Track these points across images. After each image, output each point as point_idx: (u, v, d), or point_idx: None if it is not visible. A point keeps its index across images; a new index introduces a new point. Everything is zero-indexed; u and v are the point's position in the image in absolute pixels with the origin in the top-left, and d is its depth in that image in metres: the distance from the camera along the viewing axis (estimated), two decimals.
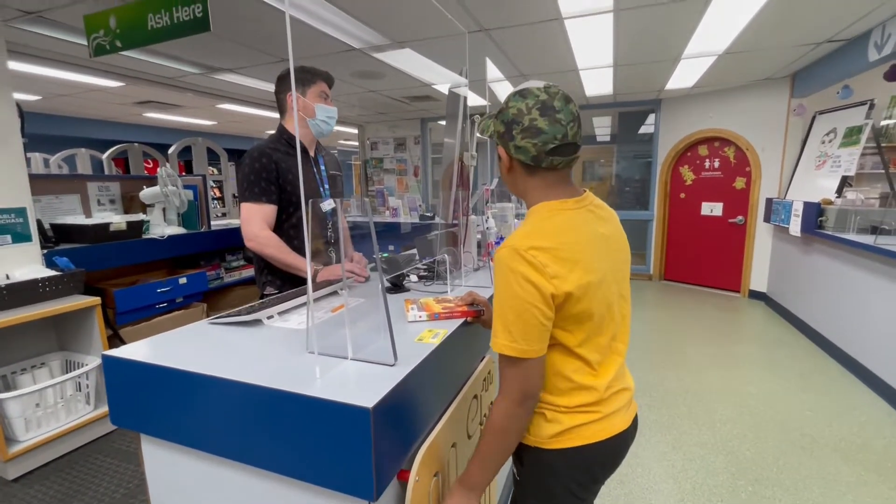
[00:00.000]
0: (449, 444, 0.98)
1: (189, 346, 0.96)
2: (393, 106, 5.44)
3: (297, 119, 1.61)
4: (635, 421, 0.93)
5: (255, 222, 1.52)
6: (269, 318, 1.10)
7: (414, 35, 2.91)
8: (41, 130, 6.04)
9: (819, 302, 3.52)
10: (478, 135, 0.93)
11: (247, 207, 1.53)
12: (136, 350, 0.92)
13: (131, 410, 0.90)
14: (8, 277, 2.18)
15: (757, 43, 3.16)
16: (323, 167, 1.74)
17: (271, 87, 4.58)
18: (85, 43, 2.42)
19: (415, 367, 0.81)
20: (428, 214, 4.17)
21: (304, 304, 1.24)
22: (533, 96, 0.80)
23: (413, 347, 0.91)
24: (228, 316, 1.09)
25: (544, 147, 0.80)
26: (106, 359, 0.90)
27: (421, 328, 1.03)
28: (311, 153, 1.70)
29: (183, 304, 3.19)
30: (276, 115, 5.80)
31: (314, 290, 1.31)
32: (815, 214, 3.39)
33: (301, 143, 1.63)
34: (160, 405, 0.86)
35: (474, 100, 4.22)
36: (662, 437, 2.28)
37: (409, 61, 3.51)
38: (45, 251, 2.47)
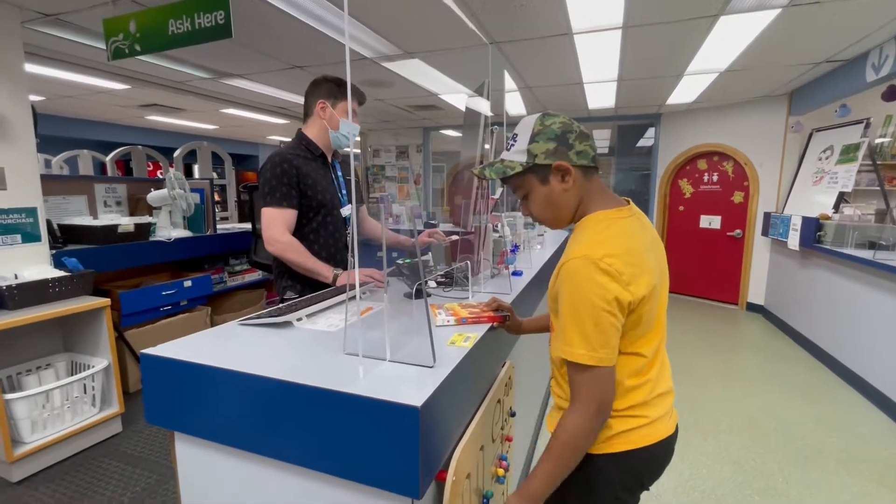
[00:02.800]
0: (478, 446, 1.00)
1: (224, 346, 0.98)
2: (397, 114, 5.50)
3: (319, 126, 1.65)
4: (677, 428, 0.95)
5: (277, 227, 1.54)
6: (299, 320, 1.12)
7: (424, 46, 2.96)
8: (44, 131, 6.01)
9: (818, 315, 3.58)
10: (492, 175, 0.92)
11: (268, 212, 1.55)
12: (173, 349, 0.93)
13: (168, 408, 0.91)
14: (17, 277, 2.17)
15: (758, 61, 3.24)
16: (340, 173, 1.78)
17: (279, 94, 4.60)
18: (101, 46, 2.45)
19: (453, 369, 0.83)
20: (433, 222, 4.20)
21: (331, 307, 1.25)
22: (560, 114, 0.87)
23: (447, 350, 0.93)
24: (258, 317, 1.10)
25: (595, 149, 0.87)
26: (144, 357, 0.91)
27: (450, 332, 1.05)
28: (329, 159, 1.74)
29: (187, 307, 3.19)
30: (279, 121, 5.88)
31: (337, 294, 1.33)
32: (813, 229, 3.46)
33: (320, 148, 1.69)
34: (199, 403, 0.87)
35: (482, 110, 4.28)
36: None
37: (417, 71, 3.56)
38: (53, 251, 2.47)
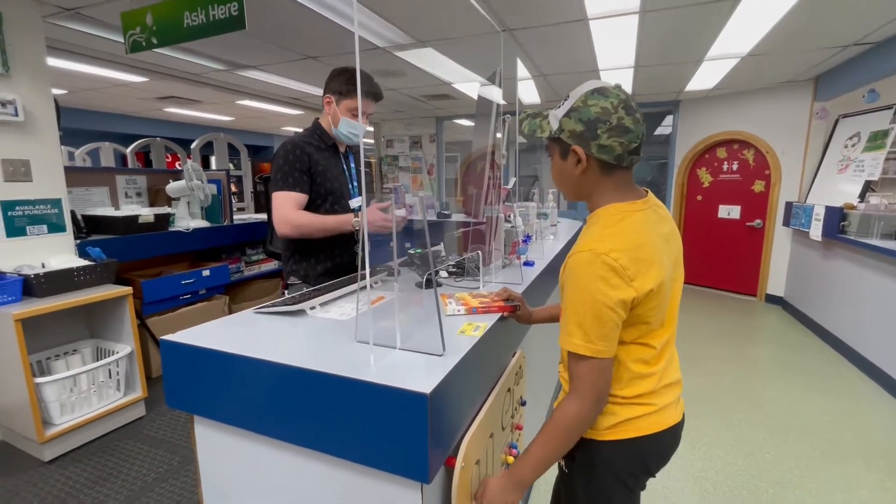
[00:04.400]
0: (488, 434, 1.01)
1: (240, 333, 1.00)
2: (410, 104, 5.48)
3: (331, 121, 1.65)
4: (683, 416, 0.95)
5: (289, 208, 1.56)
6: (312, 308, 1.14)
7: (437, 34, 2.94)
8: (67, 124, 6.16)
9: (839, 307, 3.49)
10: (522, 134, 0.93)
11: (280, 196, 1.57)
12: (192, 336, 0.96)
13: (187, 393, 0.95)
14: (44, 266, 2.25)
15: (782, 45, 3.13)
16: (353, 164, 1.80)
17: (293, 84, 4.61)
18: (120, 40, 2.49)
19: (462, 357, 0.84)
20: (445, 213, 4.20)
21: (343, 296, 1.27)
22: (614, 95, 0.82)
23: (456, 339, 0.94)
24: (273, 306, 1.13)
25: (629, 146, 0.82)
26: (164, 343, 0.94)
27: (460, 321, 1.06)
28: (342, 149, 1.75)
29: (206, 295, 3.27)
30: (294, 112, 5.90)
31: (350, 284, 1.34)
32: (837, 219, 3.36)
33: (332, 138, 1.70)
34: (217, 388, 0.90)
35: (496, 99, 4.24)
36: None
37: (429, 60, 3.54)
38: (78, 241, 2.55)
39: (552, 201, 2.68)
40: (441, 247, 1.89)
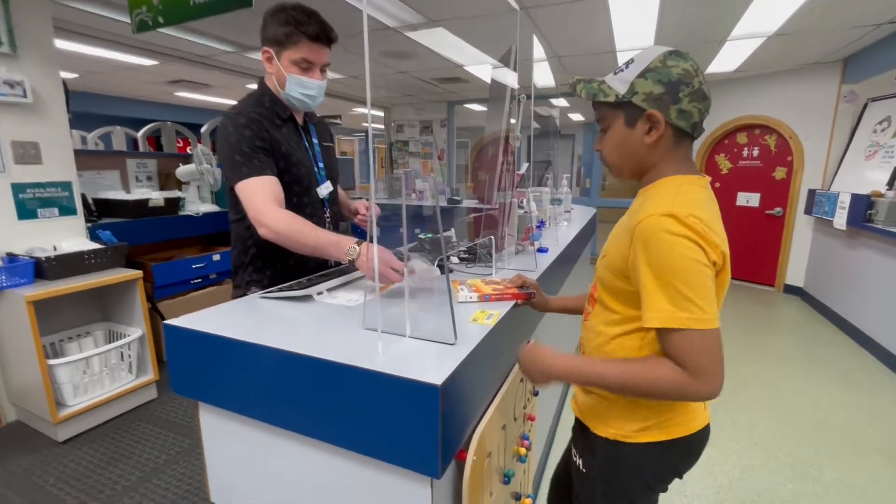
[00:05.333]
0: (500, 425, 0.97)
1: (246, 318, 0.97)
2: (421, 88, 5.38)
3: (276, 82, 1.26)
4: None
5: (266, 202, 1.14)
6: (319, 294, 1.10)
7: (449, 13, 2.84)
8: (78, 108, 6.16)
9: (863, 298, 3.38)
10: (583, 92, 0.82)
11: (248, 185, 1.15)
12: (196, 320, 0.93)
13: (191, 379, 0.92)
14: (55, 249, 2.26)
15: (811, 23, 2.98)
16: (315, 140, 1.39)
17: None
18: (126, 20, 2.44)
19: (474, 347, 0.80)
20: (456, 198, 4.14)
21: (351, 281, 1.24)
22: (692, 59, 0.75)
23: (468, 327, 0.90)
24: (280, 290, 1.10)
25: (703, 115, 0.76)
26: (168, 328, 0.91)
27: (472, 309, 1.02)
28: (300, 121, 1.35)
29: (216, 280, 3.27)
30: None
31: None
32: (863, 207, 3.23)
33: (288, 109, 1.29)
34: (221, 375, 0.88)
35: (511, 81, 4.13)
36: None
37: (441, 41, 3.44)
38: (89, 225, 2.55)
39: (566, 186, 2.61)
40: (452, 232, 1.84)
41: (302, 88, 1.23)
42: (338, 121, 7.95)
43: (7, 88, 2.10)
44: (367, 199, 1.56)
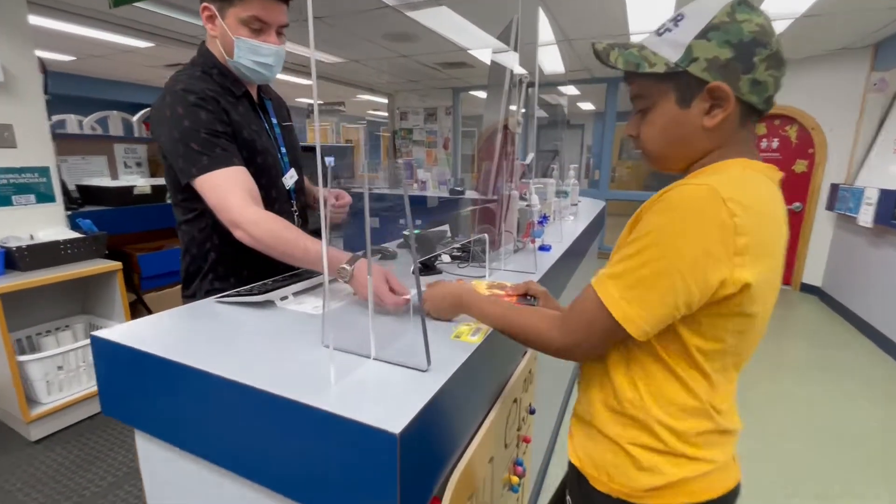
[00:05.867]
0: (486, 459, 0.83)
1: (191, 328, 0.84)
2: (424, 73, 5.19)
3: (221, 48, 1.03)
4: None
5: (244, 198, 0.96)
6: (283, 298, 0.96)
7: None
8: (75, 92, 6.07)
9: (888, 300, 3.19)
10: (619, 60, 0.62)
11: (215, 180, 0.96)
12: (131, 332, 0.80)
13: (124, 401, 0.79)
14: (32, 238, 2.14)
15: (843, 3, 2.75)
16: (274, 120, 1.18)
17: (298, 49, 4.31)
18: None
19: (452, 374, 0.66)
20: (458, 189, 3.97)
21: (321, 284, 1.09)
22: (761, 11, 0.58)
23: (449, 347, 0.75)
24: (238, 294, 0.96)
25: (779, 86, 0.59)
26: (95, 341, 0.78)
27: (456, 319, 0.87)
28: (255, 96, 1.13)
29: None
30: (304, 81, 5.52)
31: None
32: (892, 203, 3.02)
33: (243, 84, 1.08)
34: (154, 399, 0.74)
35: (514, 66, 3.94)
36: None
37: (445, 22, 3.25)
38: (70, 213, 2.43)
39: (573, 178, 2.44)
40: (446, 228, 1.69)
41: (254, 55, 1.02)
42: (341, 108, 7.78)
43: None
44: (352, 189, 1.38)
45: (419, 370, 0.66)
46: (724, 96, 0.57)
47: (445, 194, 4.12)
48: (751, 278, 0.54)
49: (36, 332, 2.21)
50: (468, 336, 0.79)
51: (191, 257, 1.14)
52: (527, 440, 1.13)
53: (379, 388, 0.62)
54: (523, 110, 1.49)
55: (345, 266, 0.83)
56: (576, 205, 2.48)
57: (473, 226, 1.45)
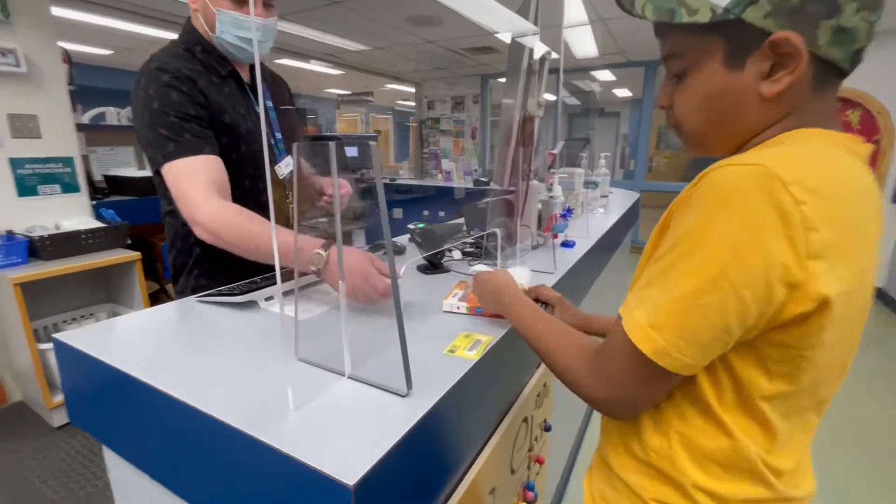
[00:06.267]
0: (486, 490, 0.72)
1: (161, 332, 0.76)
2: (451, 59, 5.03)
3: (203, 23, 0.95)
4: None
5: (204, 190, 0.88)
6: (268, 299, 0.88)
7: None
8: (115, 85, 6.27)
9: None
10: (647, 8, 0.47)
11: (177, 168, 0.88)
12: (95, 336, 0.73)
13: (89, 412, 0.72)
14: (57, 227, 2.17)
15: None
16: (270, 103, 1.08)
17: (320, 36, 4.24)
18: None
19: (438, 400, 0.55)
20: (483, 179, 3.84)
21: (317, 282, 1.00)
22: None
23: (440, 364, 0.64)
24: (220, 294, 0.88)
25: (872, 35, 0.43)
26: (58, 345, 0.71)
27: (455, 327, 0.76)
28: (246, 77, 1.04)
29: None
30: (333, 71, 5.45)
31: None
32: None
33: (229, 63, 0.99)
34: (113, 413, 0.67)
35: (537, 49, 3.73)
36: None
37: (468, 2, 3.09)
38: (95, 202, 2.46)
39: (604, 167, 2.26)
40: (461, 221, 1.57)
41: (237, 30, 0.93)
42: (369, 98, 7.73)
43: None
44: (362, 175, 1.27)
45: (398, 395, 0.55)
46: (794, 52, 0.42)
47: (470, 185, 3.99)
48: (831, 290, 0.40)
49: (62, 319, 2.25)
50: (464, 351, 0.67)
51: (176, 251, 1.08)
52: (540, 461, 1.01)
53: (347, 418, 0.51)
54: (548, 96, 1.34)
55: (319, 251, 0.72)
56: (606, 196, 2.30)
57: (488, 219, 1.32)
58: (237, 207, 0.88)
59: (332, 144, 0.51)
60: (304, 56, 4.98)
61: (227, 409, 0.51)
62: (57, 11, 2.53)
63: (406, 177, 5.46)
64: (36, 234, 2.04)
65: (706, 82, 0.48)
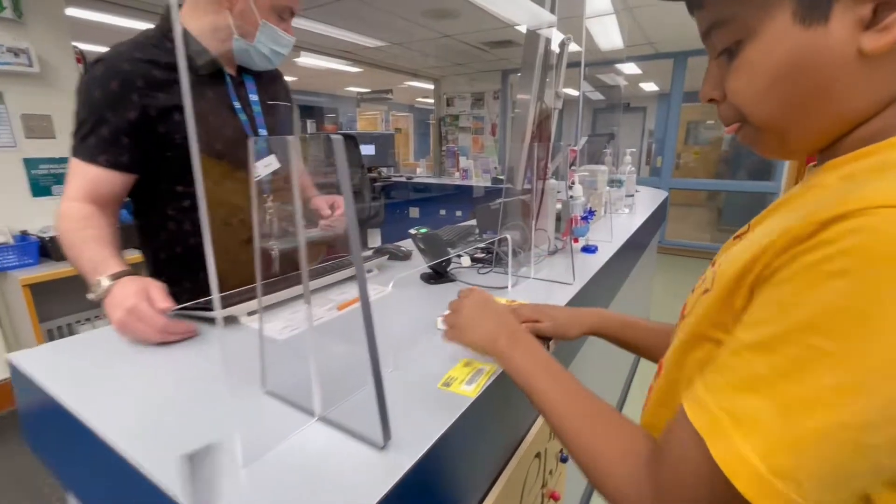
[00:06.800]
0: None
1: (119, 354, 0.68)
2: (471, 55, 4.91)
3: (213, 16, 0.89)
4: None
5: (73, 193, 0.86)
6: (251, 314, 0.79)
7: None
8: None
9: None
10: None
11: (70, 166, 0.87)
12: (49, 355, 0.66)
13: (44, 441, 0.65)
14: None
15: None
16: (255, 95, 1.00)
17: (339, 33, 4.18)
18: None
19: (423, 454, 0.44)
20: (502, 177, 3.71)
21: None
22: None
23: (431, 401, 0.53)
24: (196, 308, 0.79)
25: None
26: (13, 369, 0.64)
27: (456, 352, 0.65)
28: (233, 72, 0.97)
29: None
30: (351, 69, 5.44)
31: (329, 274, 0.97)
32: None
33: (213, 56, 0.92)
34: (59, 446, 0.59)
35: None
36: None
37: None
38: None
39: (630, 164, 2.11)
40: (473, 222, 1.47)
41: (275, 44, 0.94)
42: (389, 95, 7.68)
43: (11, 57, 1.98)
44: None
45: (374, 446, 0.45)
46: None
47: (488, 183, 3.87)
48: None
49: (76, 319, 2.25)
50: (461, 385, 0.57)
51: (146, 257, 1.03)
52: (555, 497, 0.89)
53: (308, 480, 0.41)
54: (569, 91, 1.22)
55: (102, 279, 0.72)
56: (632, 196, 2.15)
57: (501, 222, 1.21)
58: (86, 213, 0.85)
59: (291, 139, 0.42)
60: (322, 53, 4.94)
61: (164, 463, 0.42)
62: (71, 12, 2.54)
63: (423, 175, 5.37)
64: (48, 234, 2.04)
65: (773, 51, 0.34)
